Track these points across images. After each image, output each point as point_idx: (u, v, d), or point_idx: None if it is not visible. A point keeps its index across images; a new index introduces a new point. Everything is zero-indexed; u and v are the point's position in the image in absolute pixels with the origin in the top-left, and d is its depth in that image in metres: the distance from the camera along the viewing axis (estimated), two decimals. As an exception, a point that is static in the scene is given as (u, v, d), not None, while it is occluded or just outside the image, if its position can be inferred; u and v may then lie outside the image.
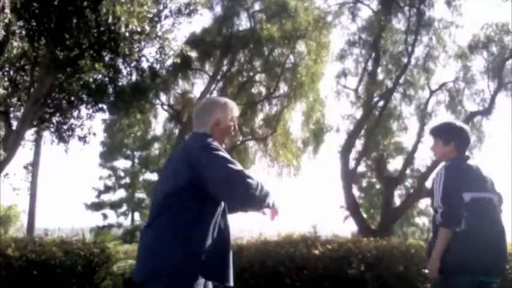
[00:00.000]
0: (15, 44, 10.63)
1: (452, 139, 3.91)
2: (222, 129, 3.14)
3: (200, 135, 3.09)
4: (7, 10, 8.99)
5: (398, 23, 19.64)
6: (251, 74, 20.81)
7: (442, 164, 3.92)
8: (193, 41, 18.79)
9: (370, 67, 20.05)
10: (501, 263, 3.88)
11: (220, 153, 2.92)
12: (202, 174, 2.85)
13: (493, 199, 3.79)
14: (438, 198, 3.68)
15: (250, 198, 2.90)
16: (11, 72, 12.50)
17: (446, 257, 3.65)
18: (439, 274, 3.68)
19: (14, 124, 12.50)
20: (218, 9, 20.33)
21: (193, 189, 2.87)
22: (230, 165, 2.87)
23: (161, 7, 12.94)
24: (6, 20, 9.12)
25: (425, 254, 4.35)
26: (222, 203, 2.99)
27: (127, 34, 11.29)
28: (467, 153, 3.99)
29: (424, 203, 22.89)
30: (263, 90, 21.29)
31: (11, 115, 12.79)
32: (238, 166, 2.91)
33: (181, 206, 2.87)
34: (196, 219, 2.86)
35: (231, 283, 2.96)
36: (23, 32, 11.32)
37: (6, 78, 12.23)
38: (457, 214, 3.63)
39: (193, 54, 16.09)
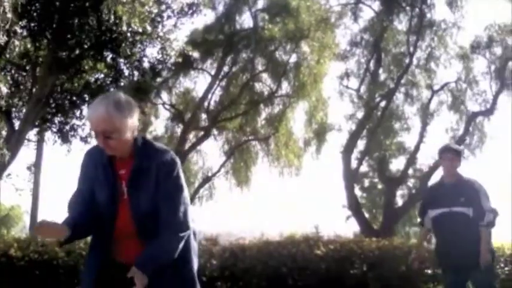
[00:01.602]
0: (16, 43, 10.60)
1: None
2: None
3: None
4: (9, 15, 8.98)
5: (400, 24, 19.66)
6: (253, 73, 20.76)
7: (475, 179, 4.99)
8: (195, 40, 18.75)
9: (372, 67, 20.04)
10: None
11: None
12: None
13: None
14: (489, 205, 4.84)
15: None
16: (13, 72, 12.49)
17: (491, 250, 4.90)
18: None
19: (16, 124, 12.48)
20: (220, 8, 20.28)
21: None
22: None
23: (163, 7, 12.90)
24: (7, 26, 9.12)
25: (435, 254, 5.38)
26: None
27: (129, 34, 11.27)
28: None
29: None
30: (265, 89, 21.28)
31: (13, 115, 12.76)
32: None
33: None
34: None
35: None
36: (25, 32, 11.30)
37: (8, 78, 12.21)
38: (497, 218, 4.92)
39: (195, 54, 16.01)
